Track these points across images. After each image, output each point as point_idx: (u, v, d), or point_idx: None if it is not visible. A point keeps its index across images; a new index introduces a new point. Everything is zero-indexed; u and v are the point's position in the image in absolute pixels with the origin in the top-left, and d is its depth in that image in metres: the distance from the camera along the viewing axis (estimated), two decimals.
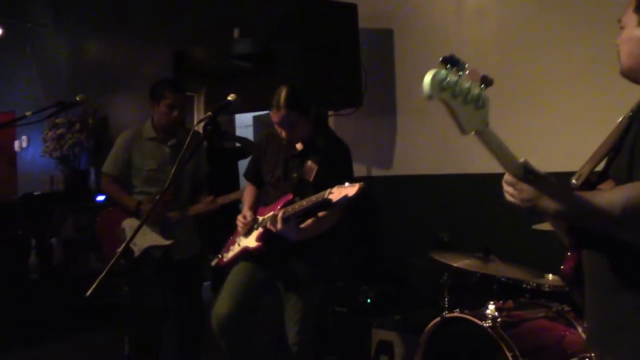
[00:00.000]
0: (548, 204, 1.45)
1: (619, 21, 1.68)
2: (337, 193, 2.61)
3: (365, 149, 4.62)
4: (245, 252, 3.06)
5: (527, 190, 1.47)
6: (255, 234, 3.03)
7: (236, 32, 5.49)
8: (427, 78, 1.28)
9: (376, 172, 4.61)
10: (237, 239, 3.16)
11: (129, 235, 3.57)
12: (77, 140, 6.43)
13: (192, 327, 3.78)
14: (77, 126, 6.44)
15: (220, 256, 3.21)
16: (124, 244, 2.20)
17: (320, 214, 2.91)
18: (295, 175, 3.00)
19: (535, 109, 3.88)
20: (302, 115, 2.95)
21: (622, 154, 1.58)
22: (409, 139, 4.47)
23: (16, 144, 7.55)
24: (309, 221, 2.93)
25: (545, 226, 2.76)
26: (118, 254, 2.13)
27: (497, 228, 3.88)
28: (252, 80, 6.82)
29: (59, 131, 6.44)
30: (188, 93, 7.33)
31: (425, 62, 4.37)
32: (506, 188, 1.51)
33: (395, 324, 3.63)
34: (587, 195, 1.46)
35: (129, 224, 3.65)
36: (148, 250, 3.55)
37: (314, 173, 2.93)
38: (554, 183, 1.50)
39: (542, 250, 3.40)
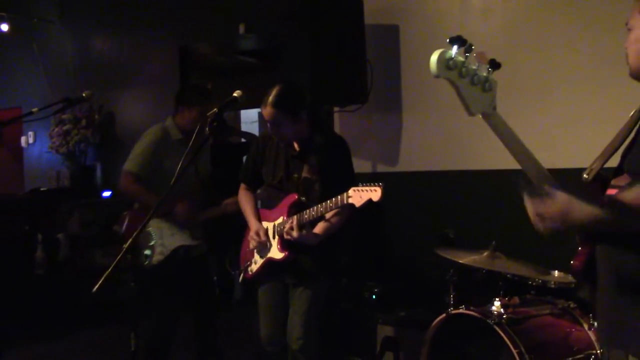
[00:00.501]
0: (580, 212, 1.39)
1: (626, 24, 1.67)
2: (356, 197, 2.58)
3: (370, 145, 4.62)
4: (271, 263, 3.03)
5: (558, 201, 1.39)
6: (275, 244, 3.01)
7: (242, 28, 5.49)
8: (434, 57, 1.29)
9: (381, 168, 4.61)
10: (255, 250, 3.13)
11: (154, 236, 3.59)
12: (83, 136, 6.45)
13: (210, 319, 3.84)
14: (83, 122, 6.46)
15: (245, 271, 3.19)
16: (130, 240, 2.20)
17: (328, 215, 2.89)
18: (296, 175, 2.99)
19: (542, 105, 3.86)
20: (288, 116, 2.90)
21: (637, 148, 1.58)
22: (414, 135, 4.47)
23: (23, 140, 7.58)
24: (322, 224, 2.92)
25: None
26: (124, 249, 2.13)
27: (503, 224, 3.87)
28: (257, 76, 6.80)
29: (65, 127, 6.46)
30: None
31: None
32: (536, 213, 1.45)
33: (400, 320, 3.64)
34: (615, 197, 1.43)
35: (156, 225, 3.62)
36: (176, 250, 3.57)
37: (315, 172, 2.92)
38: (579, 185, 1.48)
39: (548, 247, 3.39)
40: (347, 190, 2.64)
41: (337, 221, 2.93)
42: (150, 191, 3.55)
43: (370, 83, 4.37)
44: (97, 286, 2.03)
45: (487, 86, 1.36)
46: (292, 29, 4.27)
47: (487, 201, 4.03)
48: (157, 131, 3.67)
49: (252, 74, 7.16)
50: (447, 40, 1.31)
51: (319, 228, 2.91)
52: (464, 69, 1.31)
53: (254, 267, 3.12)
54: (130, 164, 3.61)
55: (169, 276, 3.59)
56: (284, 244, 2.96)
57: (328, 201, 2.73)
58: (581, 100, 3.71)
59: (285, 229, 2.88)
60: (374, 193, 2.54)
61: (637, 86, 1.69)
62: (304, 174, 2.94)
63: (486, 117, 1.40)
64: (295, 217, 2.88)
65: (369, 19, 4.36)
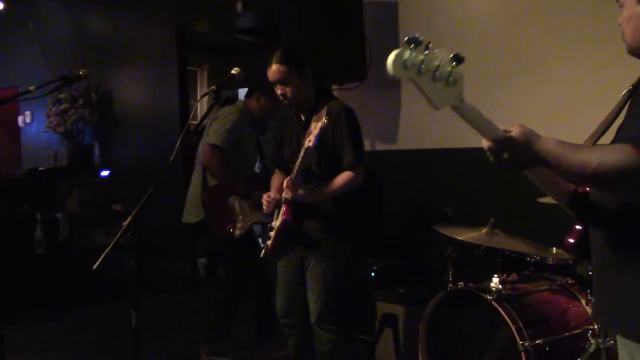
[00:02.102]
0: (541, 144, 1.43)
1: (617, 0, 1.65)
2: (312, 138, 2.69)
3: (369, 123, 4.59)
4: (280, 232, 3.04)
5: (522, 132, 1.44)
6: (281, 211, 3.04)
7: (239, 6, 5.45)
8: (390, 57, 1.32)
9: (380, 146, 4.61)
10: (272, 224, 3.15)
11: (238, 210, 3.77)
12: (80, 116, 6.41)
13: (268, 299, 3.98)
14: (81, 101, 6.41)
15: (265, 246, 3.19)
16: (129, 219, 2.19)
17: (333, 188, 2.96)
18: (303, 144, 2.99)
19: (540, 81, 3.85)
20: (295, 72, 2.95)
21: (625, 128, 1.58)
22: (413, 113, 4.45)
23: (20, 119, 7.54)
24: (323, 186, 2.97)
25: (550, 199, 2.76)
26: (124, 227, 2.13)
27: (502, 201, 3.89)
28: (255, 54, 6.78)
29: (63, 106, 6.42)
30: (191, 68, 7.29)
31: (431, 34, 4.32)
32: (495, 149, 1.47)
33: (399, 297, 3.65)
34: (570, 146, 1.45)
35: (236, 200, 3.79)
36: (252, 226, 3.81)
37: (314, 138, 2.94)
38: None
39: (547, 224, 3.41)
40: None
41: (336, 183, 2.95)
42: (229, 169, 3.75)
43: (369, 60, 4.34)
44: (97, 263, 2.03)
45: (451, 80, 1.39)
46: (289, 6, 4.24)
47: (486, 178, 4.03)
48: (238, 111, 3.87)
49: (249, 51, 7.14)
50: (405, 39, 1.34)
51: (318, 189, 2.97)
52: (422, 67, 1.34)
53: (269, 242, 3.13)
54: (217, 138, 3.72)
55: (245, 249, 3.83)
56: (287, 210, 2.98)
57: (301, 152, 2.81)
58: (579, 78, 3.71)
59: (284, 191, 2.94)
60: (317, 129, 2.67)
61: (634, 64, 1.68)
62: (304, 142, 2.94)
63: (455, 109, 1.43)
64: (287, 178, 2.94)
65: None
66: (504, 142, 1.44)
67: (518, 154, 1.44)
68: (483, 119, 1.45)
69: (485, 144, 1.48)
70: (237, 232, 3.76)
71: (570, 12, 3.73)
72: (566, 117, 3.74)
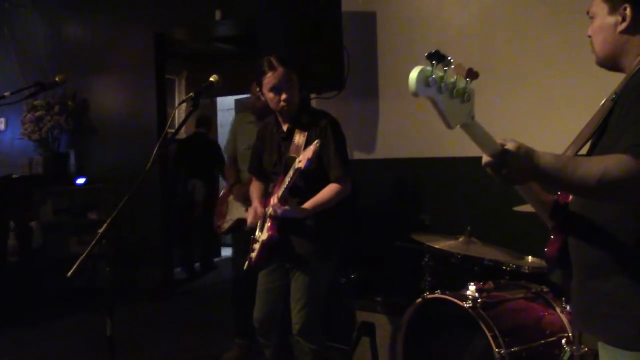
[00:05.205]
0: (539, 158, 1.41)
1: (587, 12, 1.68)
2: (303, 160, 2.67)
3: (347, 133, 4.55)
4: (265, 246, 3.01)
5: (518, 145, 1.41)
6: (266, 226, 3.00)
7: (218, 14, 5.45)
8: (413, 75, 1.26)
9: (358, 155, 4.62)
10: (257, 236, 3.12)
11: (232, 210, 4.07)
12: (56, 123, 6.34)
13: None
14: (56, 108, 6.34)
15: (249, 258, 3.15)
16: (104, 227, 2.16)
17: (321, 195, 2.93)
18: (288, 156, 2.97)
19: (518, 91, 3.90)
20: (296, 75, 2.92)
21: (607, 134, 1.60)
22: (391, 122, 4.48)
23: None
24: (310, 200, 2.91)
25: (526, 208, 2.79)
26: (99, 234, 2.11)
27: (478, 210, 3.92)
28: (234, 63, 6.78)
29: (38, 113, 6.34)
30: (169, 76, 7.27)
31: (409, 45, 4.38)
32: (494, 163, 1.44)
33: (376, 305, 3.65)
34: (569, 160, 1.46)
35: (231, 201, 4.10)
36: (238, 222, 3.97)
37: (302, 149, 2.89)
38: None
39: (522, 232, 3.46)
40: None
41: (325, 196, 2.92)
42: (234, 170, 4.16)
43: (347, 70, 4.36)
44: (71, 271, 2.01)
45: (465, 97, 1.34)
46: (268, 15, 4.24)
47: (463, 188, 4.07)
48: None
49: (228, 60, 7.15)
50: (425, 55, 1.28)
51: (306, 203, 2.91)
52: (442, 84, 1.29)
53: (254, 254, 3.10)
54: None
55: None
56: (272, 225, 2.96)
57: (290, 170, 2.79)
58: (556, 87, 3.76)
59: (271, 208, 2.90)
60: (309, 151, 2.67)
61: (612, 74, 1.72)
62: (290, 153, 2.92)
63: (465, 127, 1.39)
64: (276, 194, 2.89)
65: (346, 5, 4.35)
66: (501, 156, 1.41)
67: (516, 168, 1.42)
68: (487, 135, 1.42)
69: (484, 159, 1.45)
70: (224, 225, 4.01)
71: (545, 20, 3.79)
72: (541, 125, 3.78)
